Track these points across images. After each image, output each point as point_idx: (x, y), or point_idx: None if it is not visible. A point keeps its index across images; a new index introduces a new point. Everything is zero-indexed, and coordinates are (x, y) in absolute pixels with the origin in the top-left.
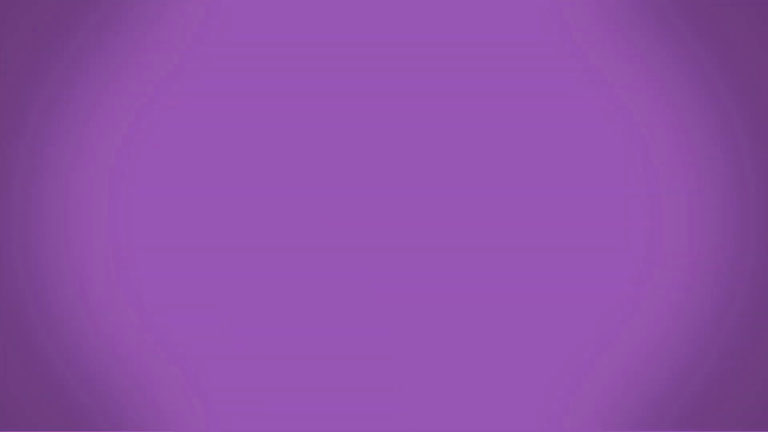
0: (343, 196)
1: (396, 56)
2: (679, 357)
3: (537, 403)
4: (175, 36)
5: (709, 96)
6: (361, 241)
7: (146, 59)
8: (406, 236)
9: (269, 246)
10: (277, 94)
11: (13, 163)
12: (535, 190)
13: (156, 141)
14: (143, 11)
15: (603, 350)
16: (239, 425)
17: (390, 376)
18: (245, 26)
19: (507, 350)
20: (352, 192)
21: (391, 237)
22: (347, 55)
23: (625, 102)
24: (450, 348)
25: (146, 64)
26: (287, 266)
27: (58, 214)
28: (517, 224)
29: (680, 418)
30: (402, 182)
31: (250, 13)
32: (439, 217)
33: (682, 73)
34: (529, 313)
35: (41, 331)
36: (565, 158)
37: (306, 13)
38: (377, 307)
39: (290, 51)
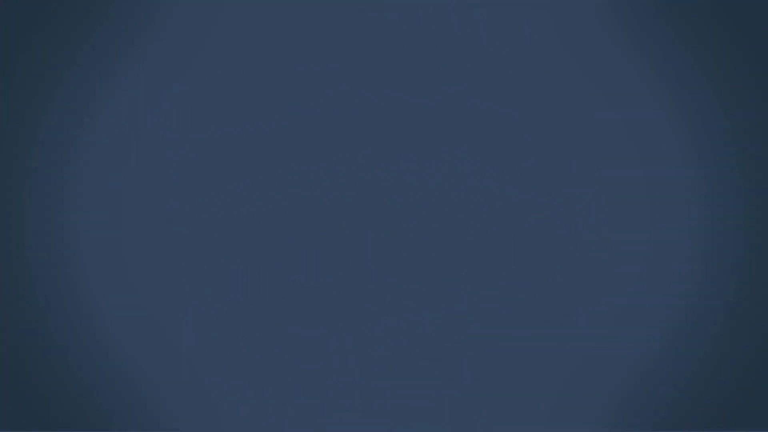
0: (350, 201)
1: (396, 57)
2: (683, 359)
3: (538, 403)
4: (174, 35)
5: (717, 96)
6: (363, 242)
7: (144, 58)
8: (410, 237)
9: (270, 247)
10: (276, 96)
11: (7, 164)
12: (538, 190)
13: (154, 140)
14: (141, 11)
15: (606, 352)
16: (239, 425)
17: (391, 376)
18: (245, 28)
19: (510, 351)
20: (357, 195)
21: (393, 239)
22: (348, 59)
23: (628, 102)
24: (452, 348)
25: (144, 63)
26: (288, 267)
27: (54, 214)
28: (517, 225)
29: (682, 419)
30: (397, 183)
31: (250, 15)
32: (444, 217)
33: (690, 73)
34: (532, 314)
35: (41, 332)
36: (570, 159)
37: (306, 16)
38: (378, 307)
39: (290, 54)
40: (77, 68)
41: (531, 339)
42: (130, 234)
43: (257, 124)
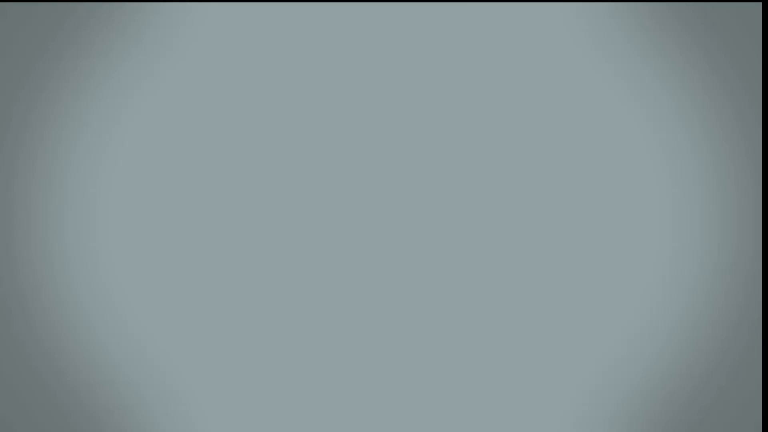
0: (351, 200)
1: (396, 58)
2: (691, 364)
3: (538, 403)
4: (175, 34)
5: (723, 99)
6: (363, 242)
7: (145, 58)
8: (409, 236)
9: (265, 247)
10: (276, 96)
11: (7, 163)
12: (538, 191)
13: (150, 141)
14: (141, 11)
15: (606, 352)
16: (239, 425)
17: (391, 378)
18: (245, 28)
19: (510, 351)
20: (356, 196)
21: (392, 238)
22: (348, 59)
23: (628, 102)
24: (452, 348)
25: (145, 63)
26: (283, 268)
27: (47, 215)
28: (516, 226)
29: (682, 419)
30: (396, 183)
31: (250, 15)
32: (444, 216)
33: (700, 78)
34: (532, 314)
35: (35, 336)
36: (575, 160)
37: (306, 17)
38: (378, 307)
39: (289, 57)
40: (78, 68)
41: (531, 339)
42: (122, 236)
43: (257, 125)
